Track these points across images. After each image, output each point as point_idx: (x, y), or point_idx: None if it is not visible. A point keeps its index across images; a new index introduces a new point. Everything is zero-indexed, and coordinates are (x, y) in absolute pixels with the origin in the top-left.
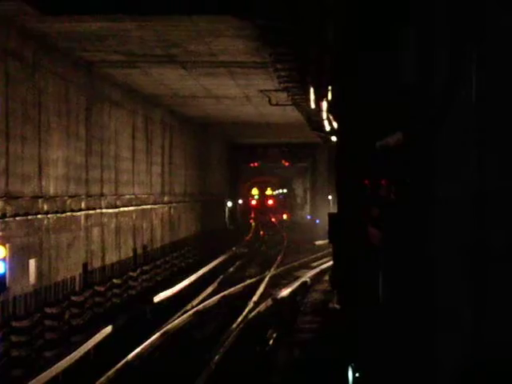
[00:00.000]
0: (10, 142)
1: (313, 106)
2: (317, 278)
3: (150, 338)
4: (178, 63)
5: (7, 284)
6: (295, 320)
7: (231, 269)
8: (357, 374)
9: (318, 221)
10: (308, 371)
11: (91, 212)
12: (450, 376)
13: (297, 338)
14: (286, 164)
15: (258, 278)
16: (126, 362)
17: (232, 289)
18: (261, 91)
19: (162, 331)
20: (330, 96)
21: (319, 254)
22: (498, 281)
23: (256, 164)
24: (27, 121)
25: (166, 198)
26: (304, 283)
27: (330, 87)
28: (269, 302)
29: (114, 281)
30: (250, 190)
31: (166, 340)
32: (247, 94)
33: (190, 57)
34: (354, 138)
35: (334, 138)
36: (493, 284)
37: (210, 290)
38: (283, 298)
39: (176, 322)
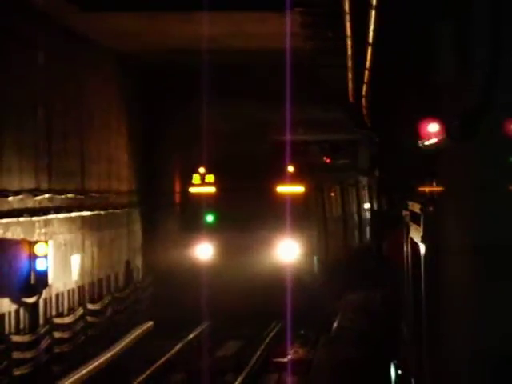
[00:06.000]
0: (53, 139)
1: (352, 101)
2: None
3: (191, 333)
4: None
5: (50, 281)
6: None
7: None
8: (399, 371)
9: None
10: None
11: (132, 209)
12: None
13: (338, 335)
14: (328, 161)
15: None
16: (168, 359)
17: None
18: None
19: (203, 327)
20: (370, 92)
21: None
22: None
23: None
24: (69, 117)
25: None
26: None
27: (369, 83)
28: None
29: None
30: None
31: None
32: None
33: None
34: (396, 136)
35: (375, 135)
36: None
37: None
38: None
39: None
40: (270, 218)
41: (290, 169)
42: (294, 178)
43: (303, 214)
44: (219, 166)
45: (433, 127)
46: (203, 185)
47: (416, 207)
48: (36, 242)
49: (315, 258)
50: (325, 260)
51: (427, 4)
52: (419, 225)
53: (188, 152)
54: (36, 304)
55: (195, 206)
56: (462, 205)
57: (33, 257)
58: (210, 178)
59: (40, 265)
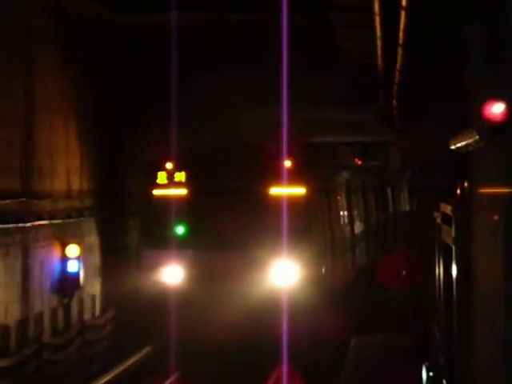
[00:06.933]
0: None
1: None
2: None
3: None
4: None
5: (81, 283)
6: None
7: None
8: (430, 373)
9: None
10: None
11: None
12: None
13: (368, 338)
14: (359, 163)
15: None
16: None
17: None
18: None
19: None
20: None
21: None
22: None
23: None
24: (99, 120)
25: None
26: None
27: (399, 84)
28: None
29: None
30: None
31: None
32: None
33: None
34: (425, 136)
35: (406, 136)
36: None
37: None
38: None
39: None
40: (261, 229)
41: (287, 164)
42: (293, 177)
43: (304, 225)
44: (193, 161)
45: (497, 108)
46: (171, 185)
47: (447, 209)
48: (68, 244)
49: (320, 282)
50: (331, 285)
51: (457, 5)
52: (450, 226)
53: (152, 142)
54: (68, 305)
55: (160, 213)
56: (494, 207)
57: (64, 259)
58: (181, 176)
59: (72, 266)
